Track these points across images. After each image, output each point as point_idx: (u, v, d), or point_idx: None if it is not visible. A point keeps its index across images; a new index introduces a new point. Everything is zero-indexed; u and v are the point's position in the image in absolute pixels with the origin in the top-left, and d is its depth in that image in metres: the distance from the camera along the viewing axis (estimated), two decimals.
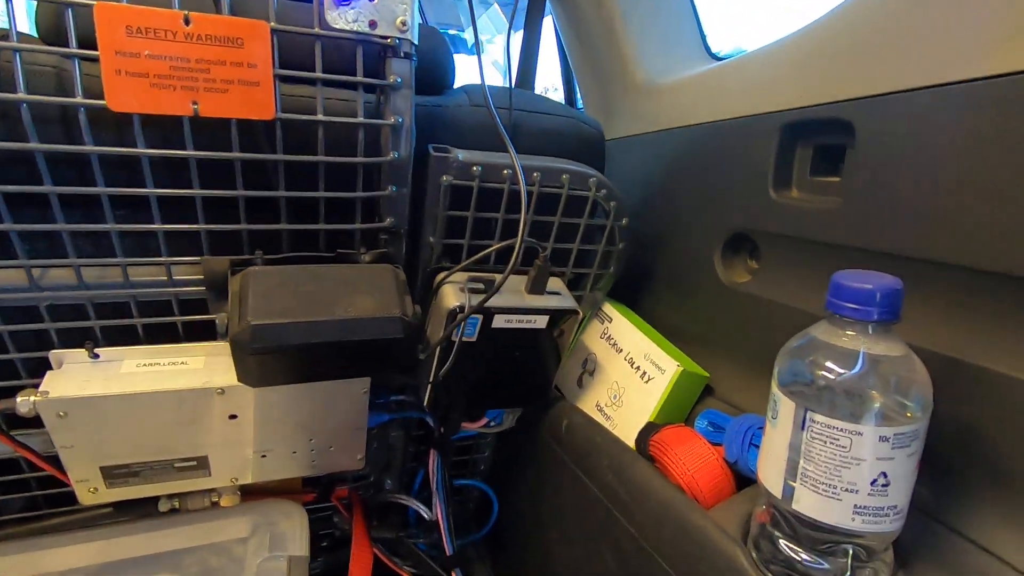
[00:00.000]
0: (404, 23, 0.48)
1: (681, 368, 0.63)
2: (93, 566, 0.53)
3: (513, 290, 0.59)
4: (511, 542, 0.87)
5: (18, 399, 0.47)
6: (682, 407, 0.67)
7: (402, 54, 0.50)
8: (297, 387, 0.55)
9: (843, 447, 0.36)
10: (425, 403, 0.63)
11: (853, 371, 0.36)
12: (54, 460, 0.52)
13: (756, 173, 0.58)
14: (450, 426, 0.72)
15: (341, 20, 0.47)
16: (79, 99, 0.43)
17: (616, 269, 0.71)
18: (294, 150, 0.50)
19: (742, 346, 0.65)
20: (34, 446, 0.54)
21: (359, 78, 0.50)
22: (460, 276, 0.59)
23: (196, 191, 0.49)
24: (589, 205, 0.65)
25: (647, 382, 0.66)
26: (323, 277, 0.50)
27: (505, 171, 0.59)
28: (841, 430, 0.36)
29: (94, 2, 0.40)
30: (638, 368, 0.68)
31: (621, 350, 0.71)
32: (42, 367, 0.50)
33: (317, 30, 0.47)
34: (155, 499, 0.59)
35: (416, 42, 0.50)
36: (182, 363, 0.53)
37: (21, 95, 0.41)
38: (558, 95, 1.23)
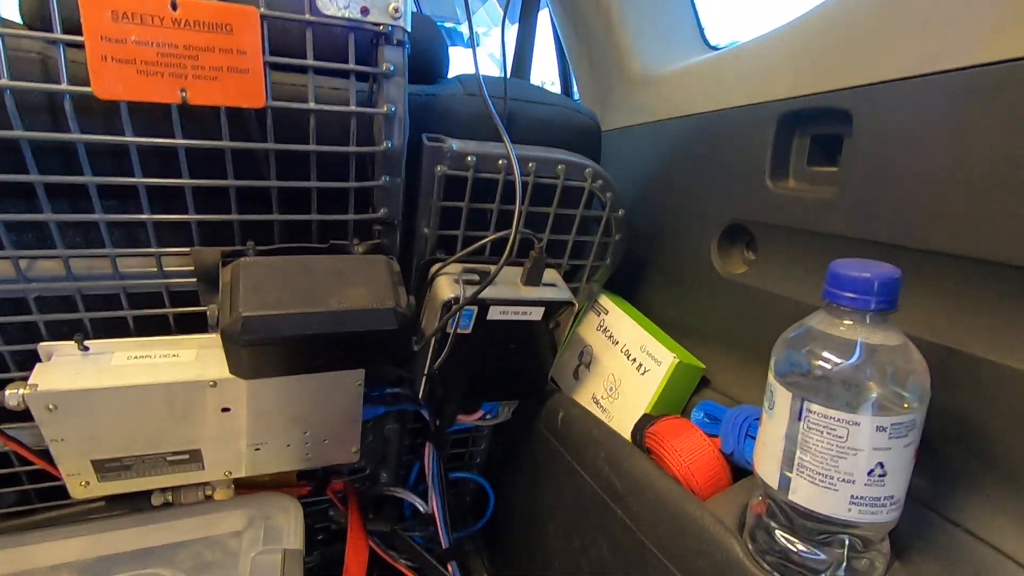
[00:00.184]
0: (397, 10, 0.47)
1: (677, 360, 0.63)
2: (86, 560, 0.53)
3: (508, 282, 0.59)
4: (507, 535, 0.87)
5: (7, 392, 0.46)
6: (678, 399, 0.67)
7: (395, 41, 0.49)
8: (290, 379, 0.54)
9: (840, 437, 0.36)
10: (420, 395, 0.63)
11: (850, 361, 0.36)
12: (45, 454, 0.51)
13: (753, 163, 0.58)
14: (446, 419, 0.72)
15: (332, 6, 0.46)
16: (64, 86, 0.42)
17: (612, 261, 0.71)
18: (286, 139, 0.49)
19: (738, 337, 0.64)
20: (24, 440, 0.53)
21: (351, 66, 0.49)
22: (455, 267, 0.58)
23: (186, 180, 0.48)
24: (585, 196, 0.64)
25: (643, 374, 0.66)
26: (316, 268, 0.50)
27: (500, 161, 0.58)
28: (838, 420, 0.36)
29: None
30: (634, 360, 0.68)
31: (617, 342, 0.71)
32: (31, 360, 0.49)
33: (308, 16, 0.46)
34: (148, 493, 0.58)
35: (409, 29, 0.49)
36: (173, 355, 0.52)
37: (4, 81, 0.41)
38: (554, 89, 1.22)
